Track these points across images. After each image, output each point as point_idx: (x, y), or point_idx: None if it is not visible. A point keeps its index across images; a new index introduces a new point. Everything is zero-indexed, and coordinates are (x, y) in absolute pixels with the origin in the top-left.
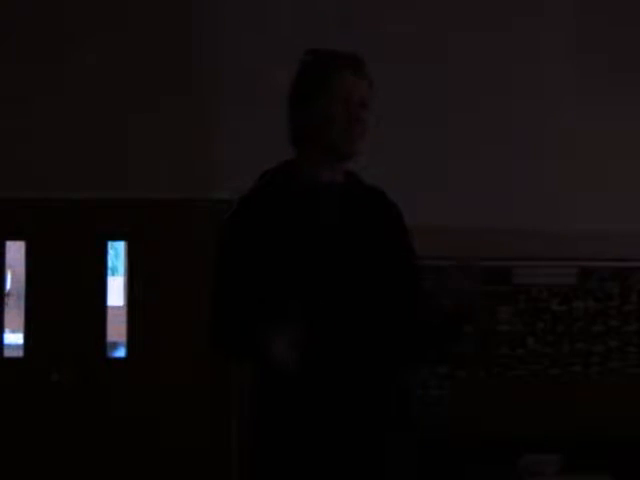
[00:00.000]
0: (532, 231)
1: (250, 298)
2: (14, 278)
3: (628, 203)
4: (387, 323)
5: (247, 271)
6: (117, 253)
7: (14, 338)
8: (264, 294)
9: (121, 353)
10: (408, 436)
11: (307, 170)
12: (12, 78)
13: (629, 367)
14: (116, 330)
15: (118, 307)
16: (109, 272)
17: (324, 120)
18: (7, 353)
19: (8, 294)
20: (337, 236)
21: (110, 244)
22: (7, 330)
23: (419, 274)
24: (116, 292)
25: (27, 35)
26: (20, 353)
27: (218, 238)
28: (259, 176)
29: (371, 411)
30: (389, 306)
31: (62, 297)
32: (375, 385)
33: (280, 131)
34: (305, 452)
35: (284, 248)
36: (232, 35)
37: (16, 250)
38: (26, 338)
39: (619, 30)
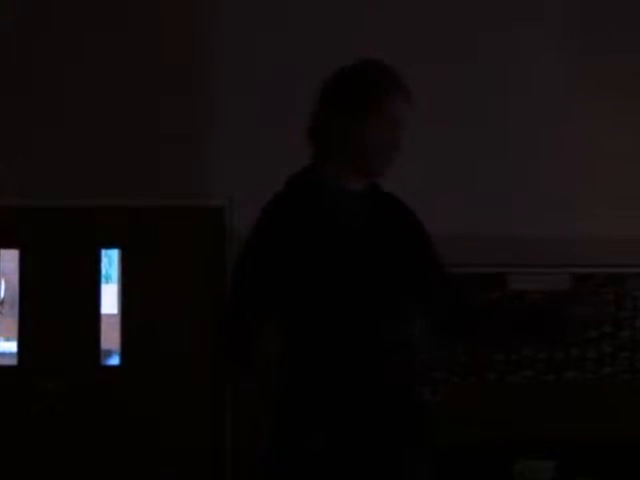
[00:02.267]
0: (527, 237)
1: (268, 307)
2: (8, 286)
3: (623, 209)
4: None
5: (271, 280)
6: (111, 261)
7: (8, 346)
8: (300, 299)
9: (115, 361)
10: (425, 452)
11: (333, 179)
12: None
13: (623, 373)
14: (110, 338)
15: (112, 315)
16: (103, 280)
17: (365, 140)
18: (1, 361)
19: (2, 302)
20: (366, 242)
21: (104, 252)
22: (1, 338)
23: (449, 276)
24: (110, 300)
25: (27, 37)
26: (14, 361)
27: (244, 243)
28: (285, 182)
29: (389, 427)
30: (419, 313)
31: (56, 305)
32: (395, 399)
33: (277, 139)
34: (323, 465)
35: (313, 254)
36: (231, 39)
37: (10, 258)
38: (20, 346)
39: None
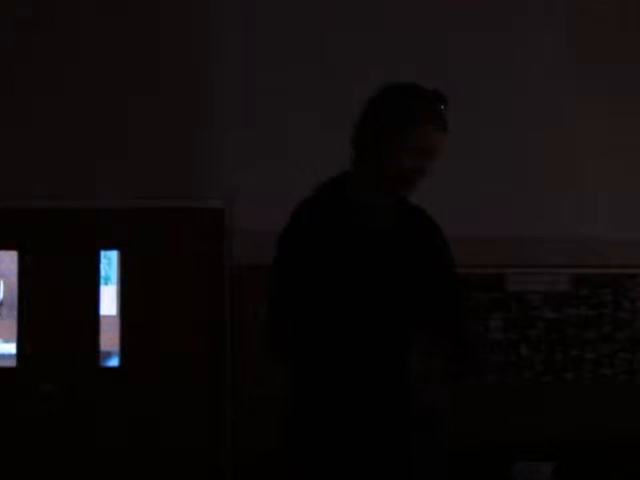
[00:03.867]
0: (525, 238)
1: (306, 307)
2: (7, 288)
3: (622, 210)
4: (428, 332)
5: (305, 280)
6: (110, 262)
7: (7, 348)
8: (319, 302)
9: (114, 362)
10: (434, 436)
11: (360, 190)
12: (7, 85)
13: (622, 374)
14: (109, 339)
15: (111, 316)
16: (102, 281)
17: (392, 163)
18: (0, 363)
19: (1, 304)
20: (390, 251)
21: (103, 253)
22: (0, 340)
23: (461, 288)
24: (109, 301)
25: (25, 37)
26: (13, 363)
27: (276, 248)
28: (316, 188)
29: (396, 410)
30: (431, 317)
31: (55, 306)
32: (403, 387)
33: (277, 141)
34: (334, 451)
35: (338, 261)
36: (231, 39)
37: (9, 260)
38: (19, 348)
39: (618, 33)
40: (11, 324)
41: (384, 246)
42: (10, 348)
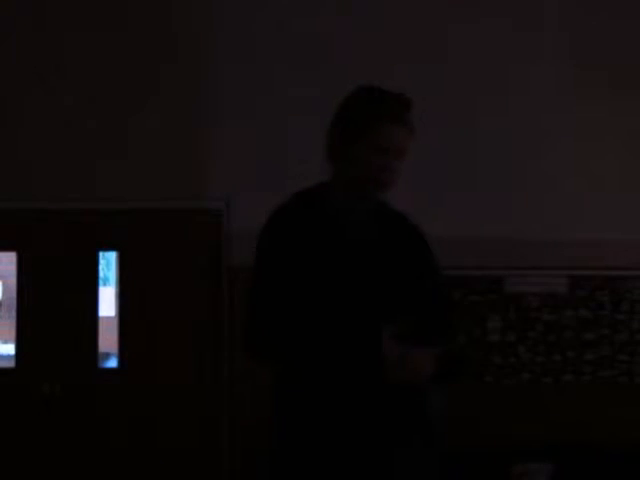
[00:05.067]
0: (523, 240)
1: (283, 307)
2: (5, 289)
3: (620, 212)
4: (408, 334)
5: (280, 280)
6: (108, 263)
7: (6, 349)
8: (295, 302)
9: (113, 363)
10: (423, 452)
11: (336, 195)
12: (7, 85)
13: (620, 376)
14: (108, 340)
15: (110, 317)
16: (100, 282)
17: (358, 164)
18: None
19: (0, 305)
20: (363, 252)
21: (101, 254)
22: None
23: (444, 291)
24: (108, 302)
25: (25, 37)
26: (12, 364)
27: (255, 251)
28: (292, 194)
29: (381, 427)
30: (411, 318)
31: (53, 308)
32: (390, 400)
33: (275, 143)
34: (317, 463)
35: (314, 262)
36: (232, 40)
37: (7, 261)
38: (18, 349)
39: (617, 34)
40: (10, 325)
41: (360, 249)
42: (9, 349)
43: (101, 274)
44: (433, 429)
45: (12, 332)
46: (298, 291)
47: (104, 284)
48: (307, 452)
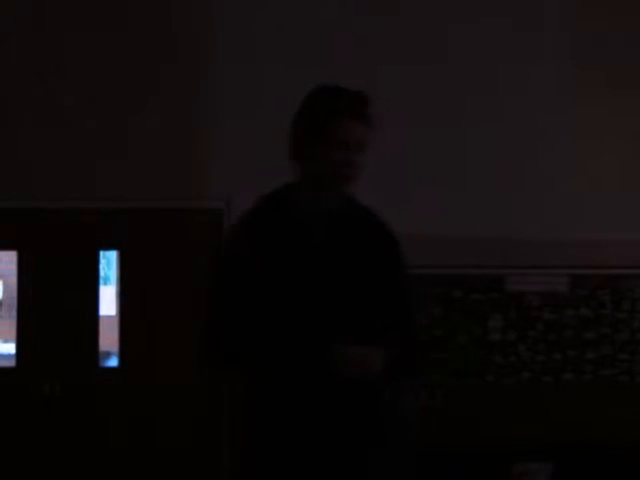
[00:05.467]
0: (524, 239)
1: (241, 311)
2: (6, 288)
3: (620, 211)
4: (369, 335)
5: (240, 286)
6: (109, 262)
7: (6, 348)
8: (254, 308)
9: (113, 363)
10: (396, 453)
11: (302, 195)
12: (6, 84)
13: (621, 375)
14: (108, 340)
15: (110, 316)
16: (101, 281)
17: (320, 161)
18: None
19: (0, 304)
20: (323, 256)
21: (102, 253)
22: None
23: (407, 290)
24: (108, 301)
25: (25, 37)
26: (12, 363)
27: (217, 255)
28: (259, 197)
29: (355, 427)
30: (372, 321)
31: (54, 307)
32: (359, 401)
33: (275, 143)
34: (289, 465)
35: (274, 266)
36: (231, 39)
37: (8, 260)
38: (18, 348)
39: (617, 33)
40: (10, 324)
41: (322, 252)
42: (9, 348)
43: (101, 273)
44: (406, 430)
45: (12, 331)
46: (257, 296)
47: (104, 283)
48: (275, 455)
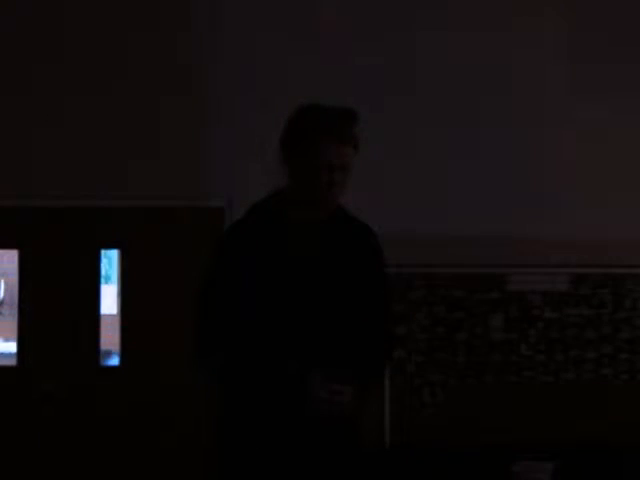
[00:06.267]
0: (525, 238)
1: (223, 322)
2: (7, 287)
3: (622, 210)
4: (347, 345)
5: (225, 295)
6: (110, 261)
7: (7, 347)
8: (236, 318)
9: (114, 361)
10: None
11: (289, 207)
12: (6, 84)
13: (622, 374)
14: (109, 338)
15: (111, 315)
16: (102, 280)
17: (304, 181)
18: (0, 362)
19: (1, 303)
20: (306, 267)
21: (103, 252)
22: (0, 339)
23: (385, 302)
24: (109, 300)
25: (25, 36)
26: (13, 362)
27: (206, 263)
28: (249, 207)
29: (322, 460)
30: (350, 331)
31: (55, 306)
32: (329, 436)
33: (275, 143)
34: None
35: (259, 277)
36: (232, 39)
37: (9, 259)
38: (19, 347)
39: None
40: (11, 323)
41: (304, 266)
42: (10, 347)
43: (102, 272)
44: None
45: (14, 330)
46: (240, 306)
47: (105, 282)
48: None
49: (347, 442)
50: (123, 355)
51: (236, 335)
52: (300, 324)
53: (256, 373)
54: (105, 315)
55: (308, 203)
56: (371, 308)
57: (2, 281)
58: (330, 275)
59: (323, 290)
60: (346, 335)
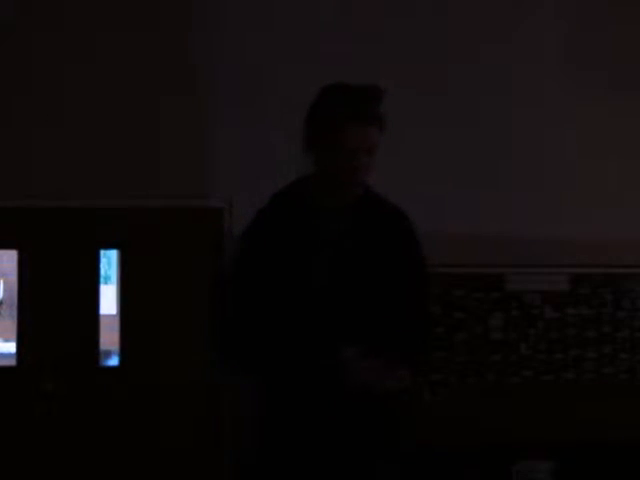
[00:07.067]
0: (524, 238)
1: (251, 312)
2: (7, 287)
3: (621, 210)
4: (380, 334)
5: (251, 285)
6: (110, 261)
7: (7, 347)
8: (265, 308)
9: (114, 362)
10: (397, 468)
11: (315, 192)
12: (6, 83)
13: (622, 373)
14: (109, 338)
15: (111, 315)
16: (102, 280)
17: (329, 165)
18: (0, 362)
19: (1, 303)
20: (337, 254)
21: (103, 252)
22: (0, 339)
23: (423, 286)
24: (109, 300)
25: (25, 38)
26: (13, 362)
27: (232, 252)
28: (271, 196)
29: (362, 438)
30: (382, 314)
31: (55, 306)
32: (367, 409)
33: (275, 143)
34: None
35: (287, 265)
36: (232, 39)
37: (8, 259)
38: (19, 347)
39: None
40: (11, 323)
41: (332, 251)
42: (10, 347)
43: (102, 272)
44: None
45: (13, 330)
46: (268, 296)
47: (105, 282)
48: (279, 460)
49: (385, 420)
50: (122, 355)
51: (267, 322)
52: (331, 308)
53: (291, 356)
54: (104, 315)
55: (334, 188)
56: (403, 290)
57: (1, 281)
58: (359, 258)
59: (352, 273)
60: (378, 318)
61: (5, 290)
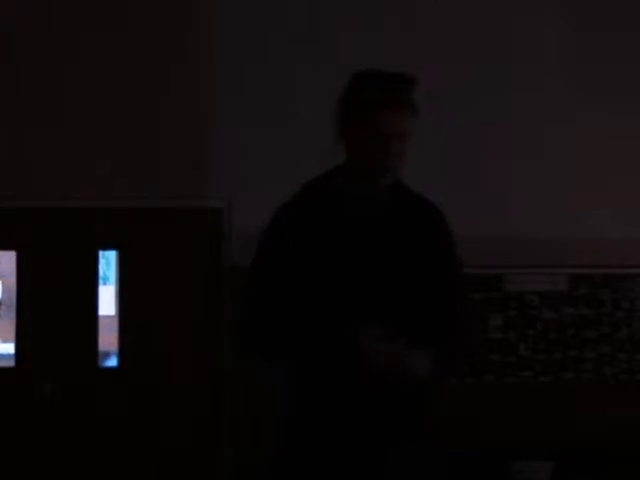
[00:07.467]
0: (523, 238)
1: (282, 302)
2: (5, 288)
3: (620, 210)
4: (415, 326)
5: (279, 274)
6: (108, 262)
7: (5, 348)
8: (296, 298)
9: (112, 362)
10: (419, 448)
11: (347, 182)
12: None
13: (621, 373)
14: (107, 339)
15: (109, 316)
16: (100, 281)
17: (361, 152)
18: None
19: (0, 304)
20: (370, 245)
21: (101, 253)
22: None
23: (458, 280)
24: (107, 301)
25: (26, 38)
26: (11, 363)
27: (258, 242)
28: (302, 185)
29: (372, 424)
30: (418, 310)
31: (54, 306)
32: (392, 396)
33: (276, 143)
34: (321, 457)
35: (318, 256)
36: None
37: (7, 260)
38: (17, 348)
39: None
40: (10, 324)
41: (364, 242)
42: (9, 348)
43: (101, 273)
44: (434, 427)
45: (12, 331)
46: (299, 286)
47: (104, 283)
48: (301, 450)
49: (415, 407)
50: (121, 356)
51: (300, 313)
52: (362, 296)
53: (320, 342)
54: (103, 316)
55: (365, 176)
56: (436, 282)
57: (0, 282)
58: (392, 246)
59: (383, 262)
60: (413, 310)
61: (4, 291)
